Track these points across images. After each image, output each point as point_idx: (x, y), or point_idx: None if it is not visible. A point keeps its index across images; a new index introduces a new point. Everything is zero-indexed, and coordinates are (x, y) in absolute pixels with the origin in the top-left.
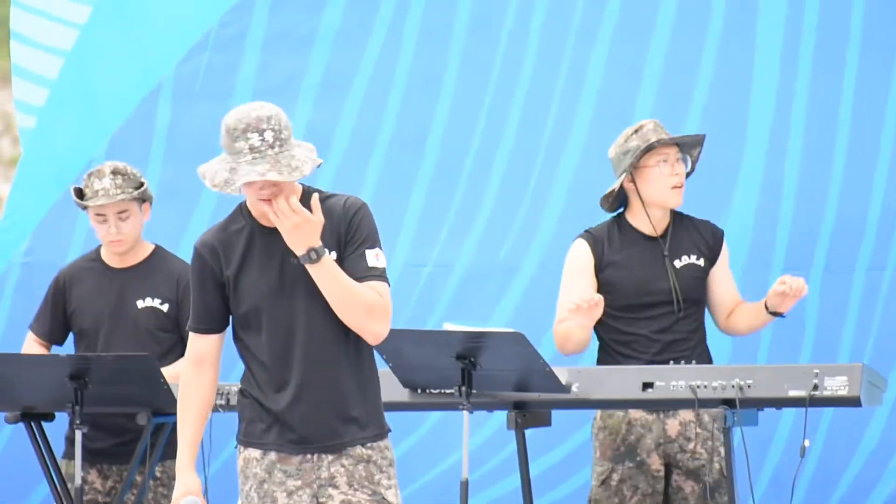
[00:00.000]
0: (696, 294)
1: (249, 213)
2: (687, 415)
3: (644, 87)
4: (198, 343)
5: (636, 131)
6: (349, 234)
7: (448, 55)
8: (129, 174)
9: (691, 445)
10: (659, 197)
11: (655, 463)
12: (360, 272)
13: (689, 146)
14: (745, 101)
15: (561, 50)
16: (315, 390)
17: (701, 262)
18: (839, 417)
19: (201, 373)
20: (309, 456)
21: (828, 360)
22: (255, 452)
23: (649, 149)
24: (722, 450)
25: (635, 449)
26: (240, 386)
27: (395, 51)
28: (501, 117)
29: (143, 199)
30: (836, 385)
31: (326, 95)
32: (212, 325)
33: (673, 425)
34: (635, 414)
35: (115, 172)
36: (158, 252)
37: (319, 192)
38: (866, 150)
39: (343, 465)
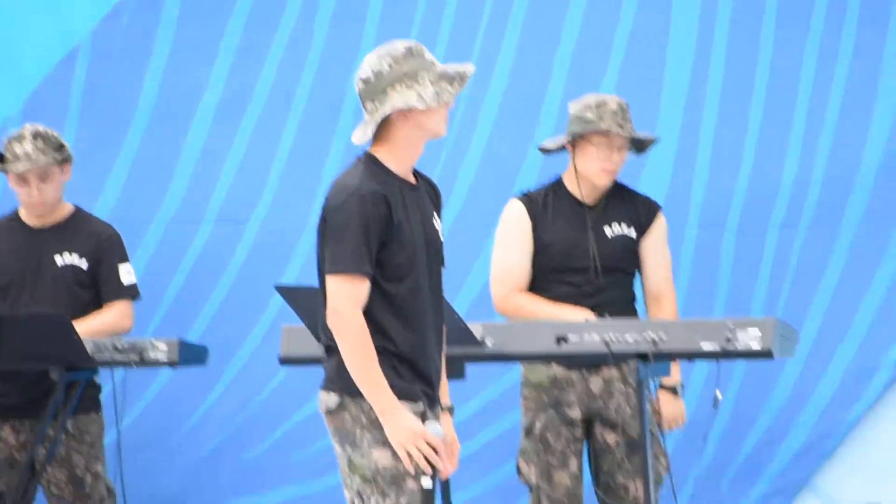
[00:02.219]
0: (622, 263)
1: (388, 169)
2: (610, 372)
3: (561, 49)
4: (363, 287)
5: (598, 105)
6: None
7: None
8: (49, 137)
9: (614, 401)
10: (589, 173)
11: (577, 414)
12: None
13: (641, 142)
14: (660, 63)
15: (478, 18)
16: (434, 349)
17: (632, 233)
18: (752, 371)
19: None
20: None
21: (741, 315)
22: (407, 405)
23: (599, 131)
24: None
25: (559, 401)
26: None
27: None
28: None
29: (64, 160)
30: (748, 338)
31: (247, 50)
32: (372, 271)
33: (596, 382)
34: (559, 371)
35: (35, 136)
36: (78, 213)
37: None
38: (780, 112)
39: None
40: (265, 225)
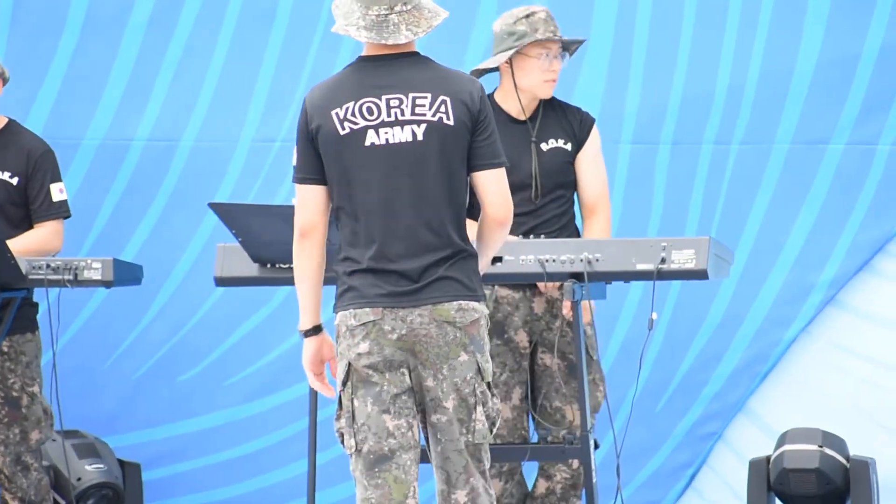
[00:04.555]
0: (562, 178)
1: None
2: (554, 293)
3: None
4: None
5: (527, 16)
6: None
7: None
8: None
9: (557, 323)
10: (531, 87)
11: (523, 340)
12: None
13: (570, 44)
14: None
15: None
16: None
17: (568, 147)
18: (686, 291)
19: None
20: None
21: (675, 234)
22: None
23: (536, 41)
24: (588, 329)
25: (503, 326)
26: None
27: None
28: None
29: None
30: (683, 258)
31: None
32: None
33: (539, 303)
34: (502, 292)
35: None
36: (11, 126)
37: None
38: (713, 25)
39: None
40: (198, 142)
